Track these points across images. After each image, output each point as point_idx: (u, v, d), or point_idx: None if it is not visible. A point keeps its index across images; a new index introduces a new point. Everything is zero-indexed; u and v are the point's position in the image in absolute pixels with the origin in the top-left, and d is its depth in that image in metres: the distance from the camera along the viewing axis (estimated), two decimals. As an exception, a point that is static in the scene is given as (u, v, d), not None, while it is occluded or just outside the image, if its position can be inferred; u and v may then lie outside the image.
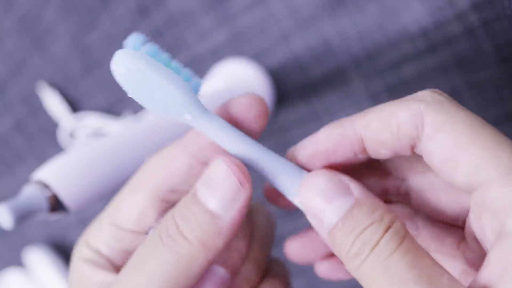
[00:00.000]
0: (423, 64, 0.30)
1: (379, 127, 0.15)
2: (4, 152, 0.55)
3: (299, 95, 0.35)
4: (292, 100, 0.35)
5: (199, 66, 0.38)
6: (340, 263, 0.17)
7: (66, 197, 0.23)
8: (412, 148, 0.15)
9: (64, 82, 0.46)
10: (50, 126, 0.49)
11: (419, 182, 0.17)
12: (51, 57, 0.46)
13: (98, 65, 0.43)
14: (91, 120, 0.43)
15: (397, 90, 0.31)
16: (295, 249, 0.20)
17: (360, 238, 0.14)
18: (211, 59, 0.37)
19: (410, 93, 0.32)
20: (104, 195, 0.25)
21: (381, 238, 0.14)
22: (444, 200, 0.17)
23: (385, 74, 0.31)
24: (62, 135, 0.45)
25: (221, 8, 0.35)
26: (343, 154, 0.16)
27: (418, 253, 0.14)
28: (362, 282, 0.14)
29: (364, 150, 0.16)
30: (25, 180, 0.55)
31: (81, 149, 0.25)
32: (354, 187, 0.15)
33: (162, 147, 0.24)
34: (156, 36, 0.39)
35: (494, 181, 0.13)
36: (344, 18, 0.31)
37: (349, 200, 0.15)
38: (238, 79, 0.33)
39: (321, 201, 0.15)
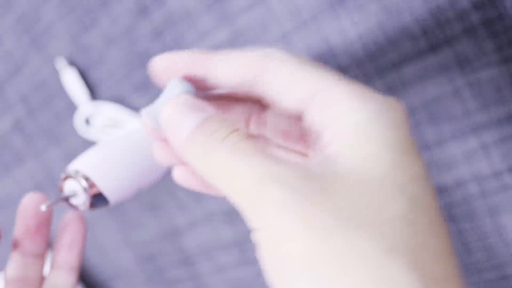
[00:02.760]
0: (424, 64, 0.30)
1: (233, 58, 0.19)
2: (3, 153, 0.55)
3: (300, 95, 0.35)
4: (293, 100, 0.35)
5: (199, 66, 0.38)
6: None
7: (106, 189, 0.22)
8: (254, 84, 0.19)
9: (60, 82, 0.46)
10: (49, 127, 0.49)
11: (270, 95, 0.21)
12: (49, 57, 0.45)
13: (97, 65, 0.43)
14: (110, 110, 0.43)
15: (397, 90, 0.31)
16: (160, 154, 0.23)
17: (213, 135, 0.17)
18: (211, 59, 0.37)
19: (411, 93, 0.32)
20: (144, 186, 0.25)
21: (230, 133, 0.17)
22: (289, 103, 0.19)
23: (385, 74, 0.31)
24: (78, 120, 0.45)
25: (221, 7, 0.35)
26: (194, 77, 0.20)
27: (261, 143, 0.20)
28: (213, 176, 0.17)
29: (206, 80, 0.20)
30: (24, 181, 0.54)
31: (117, 139, 0.25)
32: (206, 106, 0.19)
33: None
34: (156, 35, 0.39)
35: (331, 87, 0.17)
36: (345, 18, 0.31)
37: (202, 115, 0.18)
38: None
39: (179, 116, 0.18)
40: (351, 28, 0.31)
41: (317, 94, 0.17)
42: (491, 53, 0.28)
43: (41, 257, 0.28)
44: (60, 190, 0.23)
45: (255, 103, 0.23)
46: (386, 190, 0.14)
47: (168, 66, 0.20)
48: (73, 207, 0.23)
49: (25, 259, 0.27)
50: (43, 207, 0.22)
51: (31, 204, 0.27)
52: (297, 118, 0.19)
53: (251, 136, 0.18)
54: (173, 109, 0.18)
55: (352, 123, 0.16)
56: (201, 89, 0.21)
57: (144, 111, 0.20)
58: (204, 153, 0.17)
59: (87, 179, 0.22)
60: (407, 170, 0.15)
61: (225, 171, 0.16)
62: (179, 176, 0.22)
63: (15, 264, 0.27)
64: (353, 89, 0.17)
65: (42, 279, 0.28)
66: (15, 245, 0.28)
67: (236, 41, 0.36)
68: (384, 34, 0.30)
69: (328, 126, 0.17)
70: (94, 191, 0.22)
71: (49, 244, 0.29)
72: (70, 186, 0.22)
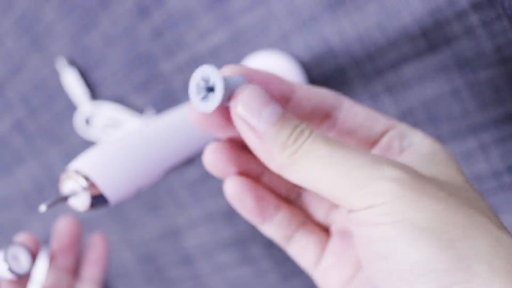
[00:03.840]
0: (423, 64, 0.30)
1: (311, 89, 0.21)
2: (3, 153, 0.55)
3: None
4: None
5: (199, 66, 0.38)
6: (249, 180, 0.21)
7: (107, 189, 0.22)
8: (325, 115, 0.21)
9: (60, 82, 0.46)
10: (49, 127, 0.49)
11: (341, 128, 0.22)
12: (50, 57, 0.46)
13: (97, 66, 0.43)
14: (110, 110, 0.43)
15: (397, 90, 0.32)
16: (210, 158, 0.22)
17: (298, 128, 0.17)
18: (211, 59, 0.37)
19: (411, 93, 0.32)
20: (144, 186, 0.25)
21: (313, 129, 0.18)
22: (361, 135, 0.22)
23: (385, 74, 0.31)
24: (78, 120, 0.45)
25: (221, 8, 0.35)
26: (276, 94, 0.20)
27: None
28: (295, 168, 0.17)
29: (287, 102, 0.20)
30: (24, 181, 0.54)
31: (117, 139, 0.25)
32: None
33: (202, 134, 0.25)
34: (156, 36, 0.39)
35: (403, 126, 0.21)
36: (344, 18, 0.31)
37: (280, 108, 0.18)
38: (271, 70, 0.33)
39: (260, 103, 0.18)
40: (351, 29, 0.31)
41: (391, 129, 0.21)
42: (490, 54, 0.28)
43: (71, 272, 0.33)
44: (60, 189, 0.23)
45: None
46: (470, 193, 0.18)
47: (259, 80, 0.20)
48: (73, 207, 0.23)
49: (58, 273, 0.32)
50: (43, 208, 0.22)
51: (64, 227, 0.32)
52: (370, 145, 0.22)
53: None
54: (255, 95, 0.18)
55: (426, 148, 0.20)
56: None
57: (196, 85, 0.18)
58: (293, 143, 0.17)
59: (87, 179, 0.22)
60: (471, 187, 0.19)
61: (325, 158, 0.17)
62: (232, 189, 0.22)
63: (50, 275, 0.32)
64: (420, 131, 0.21)
65: None
66: (51, 259, 0.32)
67: (236, 41, 0.36)
68: (383, 35, 0.31)
69: (405, 150, 0.20)
70: (94, 191, 0.22)
71: (79, 261, 0.34)
72: (70, 186, 0.22)
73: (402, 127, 0.21)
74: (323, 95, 0.21)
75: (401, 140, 0.21)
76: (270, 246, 0.42)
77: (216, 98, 0.17)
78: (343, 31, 0.32)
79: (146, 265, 0.51)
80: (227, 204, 0.43)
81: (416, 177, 0.17)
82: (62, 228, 0.33)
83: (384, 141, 0.21)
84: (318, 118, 0.21)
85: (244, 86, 0.18)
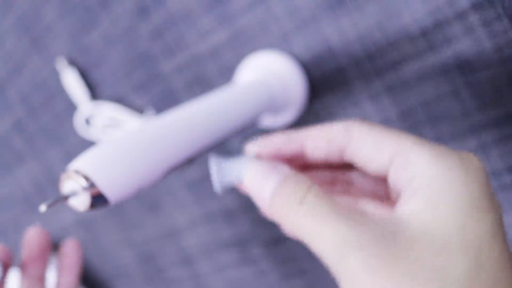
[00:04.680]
0: (423, 64, 0.30)
1: (318, 135, 0.22)
2: (3, 153, 0.55)
3: (299, 95, 0.35)
4: (292, 100, 0.35)
5: (199, 66, 0.38)
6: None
7: (107, 189, 0.22)
8: (341, 153, 0.22)
9: (60, 83, 0.46)
10: (49, 127, 0.49)
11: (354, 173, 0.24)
12: (50, 57, 0.46)
13: (97, 65, 0.43)
14: (110, 110, 0.43)
15: (397, 90, 0.32)
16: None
17: (292, 197, 0.20)
18: (211, 59, 0.37)
19: (410, 93, 0.32)
20: (144, 185, 0.25)
21: (307, 193, 0.19)
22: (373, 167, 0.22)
23: (385, 74, 0.31)
24: (78, 120, 0.45)
25: (221, 8, 0.35)
26: (289, 153, 0.23)
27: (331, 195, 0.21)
28: (297, 233, 0.19)
29: (303, 154, 0.23)
30: (24, 181, 0.54)
31: (117, 138, 0.25)
32: (282, 167, 0.21)
33: (202, 134, 0.27)
34: (156, 36, 0.39)
35: (409, 149, 0.19)
36: (344, 18, 0.31)
37: (280, 176, 0.21)
38: (272, 70, 0.33)
39: (261, 178, 0.21)
40: (351, 28, 0.31)
41: (396, 157, 0.19)
42: (489, 54, 0.28)
43: (43, 279, 0.34)
44: (60, 189, 0.23)
45: (340, 166, 0.25)
46: (451, 251, 0.16)
47: (271, 148, 0.23)
48: (73, 207, 0.23)
49: (31, 281, 0.33)
50: (43, 208, 0.22)
51: (33, 237, 0.34)
52: (384, 180, 0.22)
53: (327, 194, 0.20)
54: (254, 173, 0.21)
55: (426, 184, 0.17)
56: (299, 165, 0.24)
57: (216, 169, 0.22)
58: (286, 213, 0.20)
59: (87, 179, 0.22)
60: (474, 229, 0.17)
61: (307, 231, 0.19)
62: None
63: (23, 285, 0.33)
64: (428, 149, 0.18)
65: None
66: (23, 269, 0.33)
67: (236, 41, 0.36)
68: (384, 35, 0.31)
69: (405, 187, 0.19)
70: (94, 191, 0.22)
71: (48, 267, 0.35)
72: (70, 186, 0.22)
73: (401, 156, 0.19)
74: (331, 133, 0.22)
75: (401, 175, 0.19)
76: (270, 246, 0.42)
77: (214, 183, 0.22)
78: (343, 31, 0.32)
79: (146, 265, 0.51)
80: (227, 204, 0.43)
81: (372, 265, 0.17)
82: (31, 238, 0.34)
83: (389, 179, 0.20)
84: (335, 165, 0.23)
85: (250, 165, 0.22)
